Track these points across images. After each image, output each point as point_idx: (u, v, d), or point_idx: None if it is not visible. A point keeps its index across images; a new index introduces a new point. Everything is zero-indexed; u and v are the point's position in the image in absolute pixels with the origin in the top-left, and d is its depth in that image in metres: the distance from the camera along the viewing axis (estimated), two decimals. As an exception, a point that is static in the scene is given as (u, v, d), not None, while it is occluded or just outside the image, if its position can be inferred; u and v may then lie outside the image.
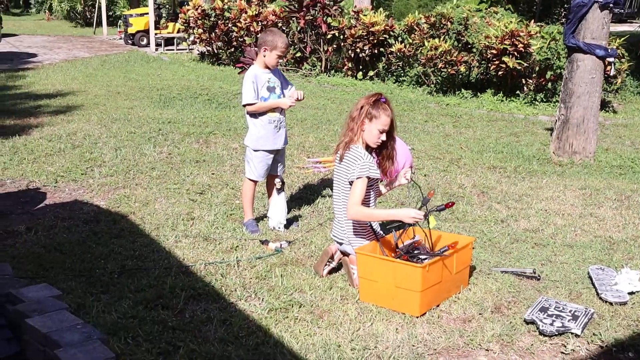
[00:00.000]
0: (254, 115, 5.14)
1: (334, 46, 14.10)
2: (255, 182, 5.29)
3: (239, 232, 5.15)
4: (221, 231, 5.17)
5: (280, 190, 5.22)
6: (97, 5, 25.59)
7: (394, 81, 13.41)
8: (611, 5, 7.57)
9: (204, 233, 5.11)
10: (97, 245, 4.77)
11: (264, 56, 5.07)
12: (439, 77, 12.50)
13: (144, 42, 19.83)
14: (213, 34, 15.49)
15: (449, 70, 12.17)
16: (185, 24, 16.30)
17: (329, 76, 14.01)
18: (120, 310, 3.75)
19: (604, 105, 11.98)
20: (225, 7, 15.33)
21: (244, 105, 5.11)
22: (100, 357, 2.79)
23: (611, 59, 7.98)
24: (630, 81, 13.95)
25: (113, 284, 4.15)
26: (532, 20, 12.78)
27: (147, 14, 19.38)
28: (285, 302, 3.93)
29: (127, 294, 3.99)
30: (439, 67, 12.22)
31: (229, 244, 4.88)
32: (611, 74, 11.41)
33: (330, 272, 4.38)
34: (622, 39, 12.28)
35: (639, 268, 4.56)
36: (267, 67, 5.14)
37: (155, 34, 19.04)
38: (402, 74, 13.36)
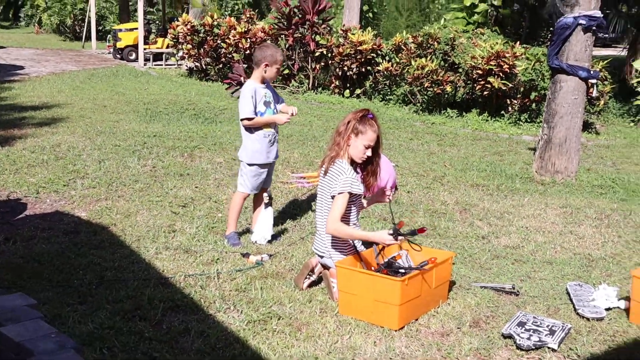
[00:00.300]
0: (250, 129, 5.16)
1: (322, 64, 14.18)
2: (246, 195, 5.29)
3: (220, 245, 5.14)
4: (202, 244, 5.16)
5: (267, 204, 5.23)
6: (86, 20, 25.61)
7: (380, 99, 13.50)
8: (594, 28, 7.68)
9: (185, 245, 5.09)
10: (77, 256, 4.74)
11: (265, 71, 5.12)
12: (425, 96, 12.59)
13: (133, 56, 19.85)
14: (202, 49, 15.54)
15: (435, 89, 12.27)
16: (174, 40, 16.34)
17: (316, 93, 14.08)
18: (97, 320, 3.73)
19: (587, 126, 12.13)
20: (215, 23, 15.41)
21: (242, 120, 5.13)
22: (73, 365, 2.77)
23: (593, 81, 8.09)
24: (613, 103, 14.14)
25: (91, 294, 4.12)
26: (518, 42, 12.94)
27: (137, 29, 19.42)
28: (264, 315, 3.92)
29: (104, 304, 3.96)
30: (425, 86, 12.31)
31: (209, 257, 4.87)
32: (593, 96, 11.54)
33: (310, 286, 4.38)
34: (605, 61, 12.45)
35: (616, 285, 4.58)
36: (263, 81, 5.17)
37: (144, 49, 19.08)
38: (389, 93, 13.45)
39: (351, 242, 4.30)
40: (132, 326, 3.69)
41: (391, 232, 3.97)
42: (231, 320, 3.87)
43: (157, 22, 23.28)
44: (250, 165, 5.19)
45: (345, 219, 4.22)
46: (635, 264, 5.16)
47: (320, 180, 4.36)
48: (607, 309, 4.17)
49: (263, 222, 5.24)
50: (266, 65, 5.09)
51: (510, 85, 11.81)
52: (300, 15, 13.99)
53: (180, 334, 3.65)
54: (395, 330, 3.78)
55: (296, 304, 4.08)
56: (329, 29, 14.35)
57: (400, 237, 3.98)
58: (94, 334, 3.55)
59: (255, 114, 5.08)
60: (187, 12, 20.20)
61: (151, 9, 26.24)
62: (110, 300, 4.03)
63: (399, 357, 3.51)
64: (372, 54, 13.39)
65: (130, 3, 26.02)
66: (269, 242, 5.24)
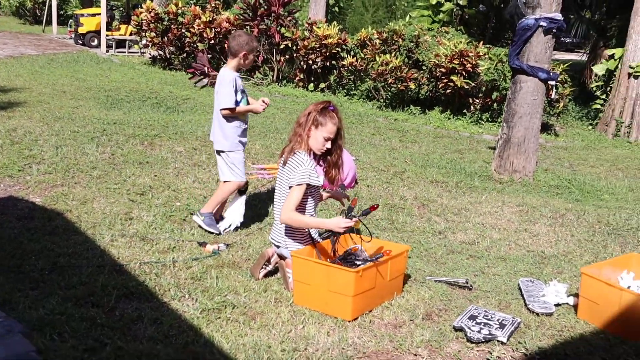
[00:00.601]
0: (228, 119, 5.14)
1: (287, 57, 14.16)
2: (241, 183, 5.30)
3: (177, 234, 5.11)
4: (159, 232, 5.12)
5: (242, 192, 5.24)
6: (47, 3, 25.10)
7: (344, 94, 13.54)
8: (554, 30, 7.81)
9: (141, 233, 5.04)
10: (30, 241, 4.66)
11: (244, 60, 5.12)
12: (389, 93, 12.67)
13: (95, 43, 19.54)
14: (165, 38, 15.37)
15: (399, 86, 12.35)
16: (137, 27, 16.13)
17: (280, 86, 14.05)
18: (48, 306, 3.67)
19: (547, 128, 12.35)
20: (179, 11, 15.24)
21: (223, 110, 5.09)
22: (20, 350, 2.74)
23: (553, 82, 8.24)
24: (572, 106, 14.42)
25: (43, 280, 4.06)
26: (481, 42, 13.09)
27: (99, 14, 19.11)
28: (218, 303, 3.91)
29: (56, 290, 3.91)
30: (389, 82, 12.38)
31: (166, 245, 4.83)
32: (553, 97, 11.79)
33: (266, 275, 4.38)
34: (566, 65, 12.69)
35: (567, 282, 4.69)
36: (238, 70, 5.17)
37: (107, 35, 18.79)
38: (353, 88, 13.50)
39: (307, 232, 4.31)
40: (84, 312, 3.65)
41: (346, 214, 4.01)
42: (185, 308, 3.85)
43: (121, 8, 22.93)
44: (233, 152, 5.21)
45: (302, 209, 4.23)
46: (586, 262, 5.28)
47: (280, 170, 4.36)
48: (557, 305, 4.26)
49: (235, 208, 5.25)
50: (245, 54, 5.09)
51: (473, 84, 11.95)
52: (265, 7, 13.94)
53: (133, 321, 3.62)
54: (349, 321, 3.81)
55: (251, 294, 4.08)
56: (294, 21, 14.33)
57: (354, 218, 4.03)
58: (44, 320, 3.50)
59: (236, 103, 5.07)
60: (152, 0, 19.94)
61: (115, -5, 25.83)
62: (63, 286, 3.98)
63: (352, 347, 3.54)
64: (337, 49, 13.41)
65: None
66: (235, 229, 5.24)
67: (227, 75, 5.12)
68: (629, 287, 4.36)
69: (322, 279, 3.91)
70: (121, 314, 3.69)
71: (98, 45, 19.22)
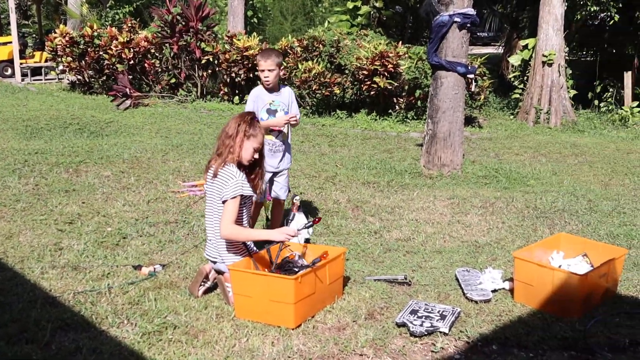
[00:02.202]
0: None
1: (209, 71, 14.05)
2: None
3: (110, 259, 4.98)
4: (91, 259, 4.98)
5: (299, 208, 5.27)
6: (-44, 36, 24.17)
7: (270, 104, 13.52)
8: (468, 25, 8.03)
9: (73, 262, 4.90)
10: (-46, 282, 4.46)
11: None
12: (314, 99, 12.74)
13: (9, 72, 18.93)
14: (83, 62, 15.01)
15: (324, 91, 12.43)
16: (52, 53, 15.67)
17: (205, 101, 13.93)
18: (-21, 348, 3.52)
19: (470, 120, 12.66)
20: (95, 34, 14.90)
21: None
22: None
23: (471, 76, 8.45)
24: (493, 98, 14.85)
25: (-29, 322, 3.89)
26: (400, 42, 13.32)
27: (11, 42, 18.52)
28: (159, 325, 3.83)
29: (-14, 331, 3.75)
30: (314, 89, 12.45)
31: (99, 272, 4.71)
32: (473, 90, 12.11)
33: (205, 292, 4.32)
34: (483, 58, 13.05)
35: (501, 268, 4.81)
36: (271, 89, 5.06)
37: (21, 64, 18.22)
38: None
39: (242, 243, 4.28)
40: (17, 350, 3.51)
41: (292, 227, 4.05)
42: (125, 334, 3.75)
43: (34, 35, 22.29)
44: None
45: (238, 222, 4.20)
46: (518, 246, 5.43)
47: (208, 183, 4.31)
48: (494, 291, 4.37)
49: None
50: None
51: (396, 84, 12.14)
52: (183, 23, 13.81)
53: (71, 354, 3.51)
54: (293, 329, 3.79)
55: (192, 312, 4.02)
56: (214, 35, 14.25)
57: (298, 230, 4.07)
58: (-24, 362, 3.36)
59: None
60: (65, 24, 19.47)
61: (26, 22, 25.11)
62: (-7, 325, 3.82)
63: (297, 355, 3.53)
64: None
65: (2, 16, 24.77)
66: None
67: (252, 91, 5.10)
68: (560, 267, 4.51)
69: (262, 290, 3.89)
70: (58, 348, 3.58)
71: (12, 75, 18.62)
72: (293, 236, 4.10)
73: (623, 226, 6.07)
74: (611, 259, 4.35)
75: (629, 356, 3.63)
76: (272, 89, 5.10)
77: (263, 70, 5.01)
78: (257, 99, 5.06)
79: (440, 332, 3.75)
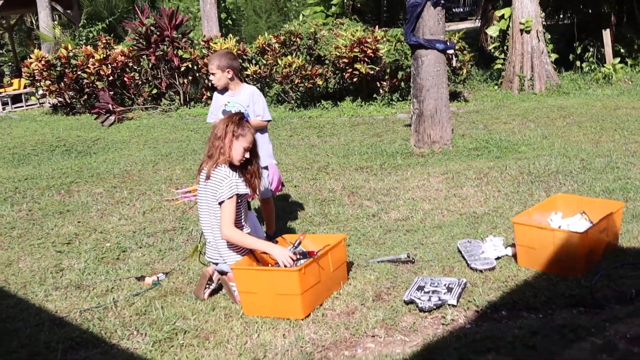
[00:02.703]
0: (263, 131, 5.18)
1: (190, 78, 14.01)
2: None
3: (112, 274, 4.97)
4: (94, 276, 4.97)
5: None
6: None
7: (254, 103, 13.47)
8: (442, 2, 8.01)
9: (76, 281, 4.88)
10: (-41, 315, 4.44)
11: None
12: (298, 93, 12.72)
13: (-10, 103, 18.82)
14: (62, 83, 14.92)
15: (306, 84, 12.41)
16: (30, 78, 15.56)
17: (189, 108, 13.89)
18: (-9, 376, 3.51)
19: (456, 96, 12.66)
20: (71, 54, 14.81)
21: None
22: None
23: (451, 51, 8.45)
24: (475, 71, 14.85)
25: (-20, 352, 3.87)
26: (377, 26, 13.30)
27: (-11, 73, 18.43)
28: (168, 332, 3.82)
29: (-4, 359, 3.74)
30: (296, 82, 12.43)
31: (103, 288, 4.69)
32: (455, 65, 12.11)
33: (211, 294, 4.32)
34: (461, 32, 13.04)
35: (502, 235, 4.82)
36: (228, 90, 5.11)
37: (0, 93, 18.12)
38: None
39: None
40: (30, 374, 3.50)
41: (291, 252, 4.04)
42: (136, 344, 3.75)
43: (10, 63, 22.17)
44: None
45: (237, 221, 4.19)
46: (516, 212, 5.43)
47: (201, 185, 4.30)
48: (497, 258, 4.38)
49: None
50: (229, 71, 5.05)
51: (377, 68, 12.12)
52: (158, 33, 13.75)
53: (84, 370, 3.50)
54: (302, 319, 3.79)
55: (200, 315, 4.01)
56: (190, 42, 14.19)
57: (296, 263, 4.01)
58: (-10, 391, 3.34)
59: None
60: (40, 48, 19.36)
61: (0, 51, 24.98)
62: (3, 353, 3.80)
63: (310, 343, 3.53)
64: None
65: (-23, 48, 24.66)
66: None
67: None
68: (559, 227, 4.51)
69: (267, 285, 3.88)
70: (70, 366, 3.57)
71: (-7, 105, 18.54)
72: (290, 264, 4.03)
73: (618, 181, 6.09)
74: (609, 214, 4.36)
75: (636, 306, 3.64)
76: (229, 90, 5.13)
77: (212, 74, 5.10)
78: (215, 101, 5.14)
79: (449, 304, 3.75)
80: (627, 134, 8.27)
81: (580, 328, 3.40)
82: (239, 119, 4.31)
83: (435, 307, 3.72)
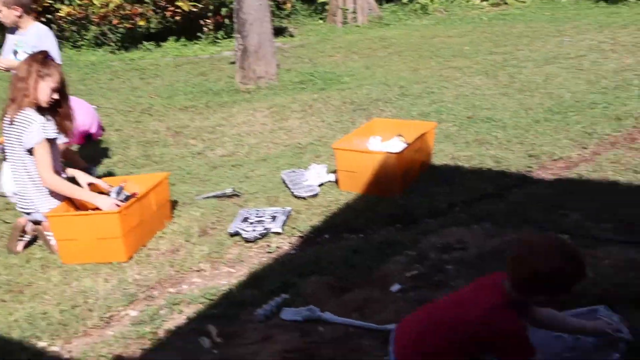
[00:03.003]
0: None
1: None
2: None
3: None
4: None
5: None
6: None
7: (71, 47, 12.64)
8: None
9: None
10: None
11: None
12: (118, 34, 12.09)
13: None
14: None
15: (126, 24, 11.82)
16: None
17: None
18: None
19: (281, 31, 12.63)
20: None
21: None
22: None
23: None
24: (300, 5, 14.86)
25: None
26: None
27: None
28: (-23, 292, 3.56)
29: None
30: (115, 23, 11.80)
31: None
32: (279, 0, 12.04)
33: (26, 247, 4.06)
34: (282, -34, 12.93)
35: (325, 163, 4.91)
36: (17, 29, 4.74)
37: None
38: (80, 38, 12.66)
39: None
40: None
41: (115, 197, 3.90)
42: (-60, 308, 3.45)
43: None
44: None
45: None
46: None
47: (6, 130, 3.98)
48: (320, 185, 4.48)
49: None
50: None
51: (201, 5, 11.77)
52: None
53: None
54: (126, 262, 3.68)
55: (13, 269, 3.76)
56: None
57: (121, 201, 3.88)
58: None
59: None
60: None
61: None
62: None
63: (133, 284, 3.44)
64: (49, 1, 12.39)
65: None
66: None
67: None
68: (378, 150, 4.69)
69: (86, 230, 3.72)
70: None
71: None
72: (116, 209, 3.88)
73: (433, 104, 6.42)
74: (422, 134, 4.59)
75: (447, 217, 3.90)
76: (17, 29, 4.80)
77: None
78: (7, 41, 4.83)
79: (273, 232, 3.80)
80: (442, 60, 8.71)
81: (397, 243, 3.59)
82: (43, 58, 4.01)
83: (260, 237, 3.76)
